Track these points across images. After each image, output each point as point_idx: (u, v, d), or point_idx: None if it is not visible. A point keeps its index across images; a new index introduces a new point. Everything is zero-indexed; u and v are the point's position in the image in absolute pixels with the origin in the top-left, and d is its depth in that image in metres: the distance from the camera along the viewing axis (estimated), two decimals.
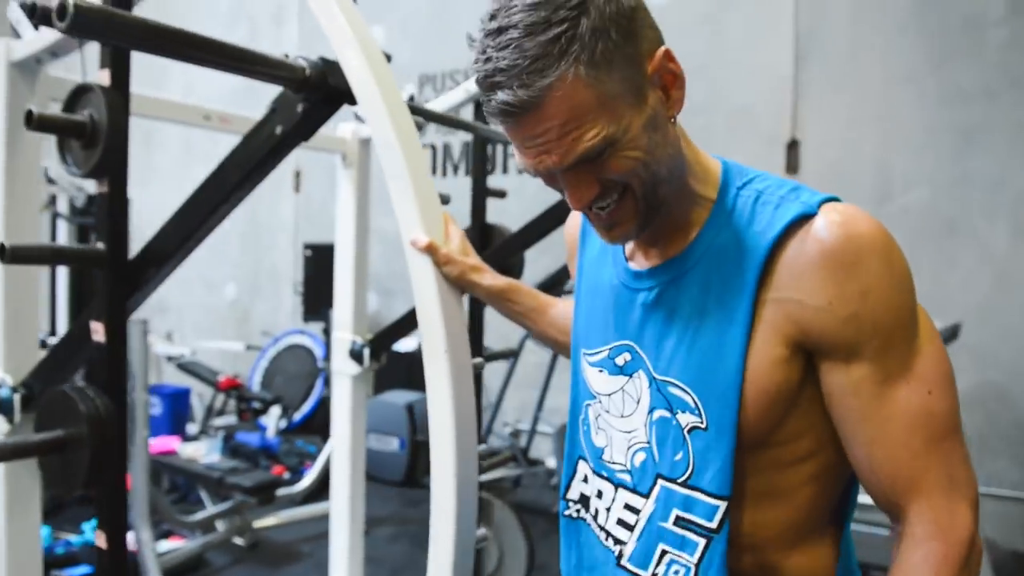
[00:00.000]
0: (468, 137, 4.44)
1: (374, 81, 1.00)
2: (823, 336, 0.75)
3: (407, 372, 4.22)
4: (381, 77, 1.01)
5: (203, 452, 3.27)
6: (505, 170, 4.39)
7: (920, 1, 3.40)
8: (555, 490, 3.63)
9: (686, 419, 0.81)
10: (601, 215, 0.80)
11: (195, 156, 5.61)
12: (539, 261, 2.63)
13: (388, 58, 1.07)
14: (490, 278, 1.07)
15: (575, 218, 1.07)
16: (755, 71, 3.81)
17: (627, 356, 0.88)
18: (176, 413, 4.35)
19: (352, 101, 1.05)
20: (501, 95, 0.72)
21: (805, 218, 0.77)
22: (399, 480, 3.77)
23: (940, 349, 0.76)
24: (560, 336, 1.11)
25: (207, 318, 5.67)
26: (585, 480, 0.94)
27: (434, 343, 0.95)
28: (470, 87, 2.20)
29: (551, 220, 2.18)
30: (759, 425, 0.78)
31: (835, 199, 0.79)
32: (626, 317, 0.89)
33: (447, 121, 1.61)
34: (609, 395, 0.90)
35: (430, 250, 0.99)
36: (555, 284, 3.36)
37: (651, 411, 0.84)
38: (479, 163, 2.22)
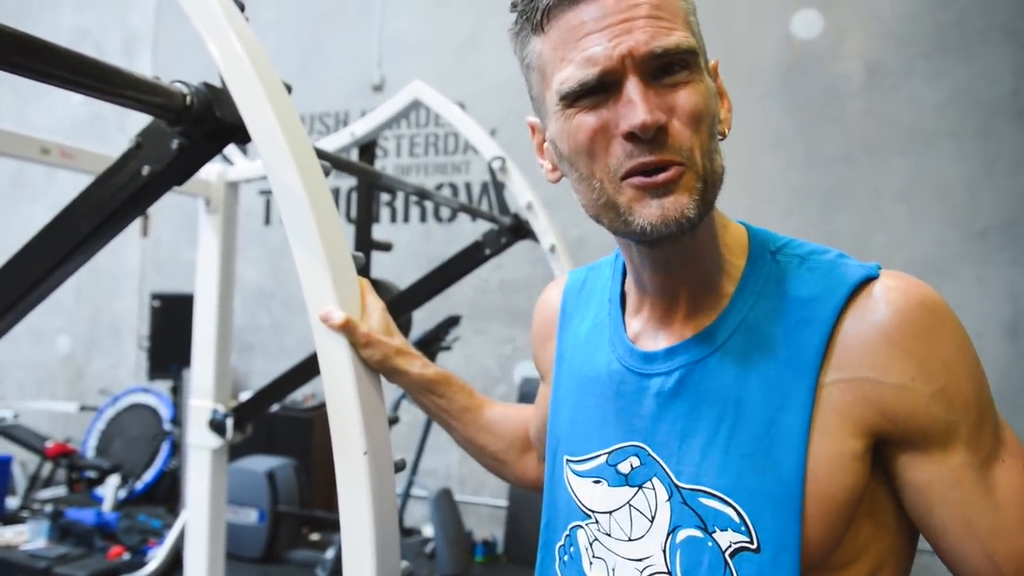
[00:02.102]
0: (349, 184, 4.22)
1: (275, 115, 0.81)
2: (912, 420, 0.62)
3: (267, 435, 3.87)
4: (283, 110, 0.83)
5: (25, 536, 2.81)
6: (378, 219, 4.19)
7: (785, 71, 3.54)
8: (432, 559, 3.39)
9: (727, 539, 0.64)
10: (654, 179, 0.64)
11: (27, 193, 5.04)
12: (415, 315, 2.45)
13: (288, 89, 0.89)
14: (420, 365, 0.88)
15: (550, 296, 0.90)
16: None
17: (635, 461, 0.71)
18: None
19: (244, 138, 0.85)
20: None
21: (865, 283, 0.65)
22: (258, 556, 3.40)
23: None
24: (491, 443, 0.93)
25: (34, 375, 5.04)
26: None
27: (350, 443, 0.76)
28: (356, 130, 2.03)
29: (444, 277, 2.03)
30: (823, 543, 0.62)
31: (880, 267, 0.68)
32: (633, 411, 0.72)
33: (340, 165, 1.43)
34: (610, 513, 0.72)
35: (347, 329, 0.79)
36: (432, 341, 3.20)
37: (673, 531, 0.67)
38: (364, 212, 2.03)
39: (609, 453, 0.73)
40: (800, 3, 3.52)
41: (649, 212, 0.65)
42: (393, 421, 3.36)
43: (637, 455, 0.71)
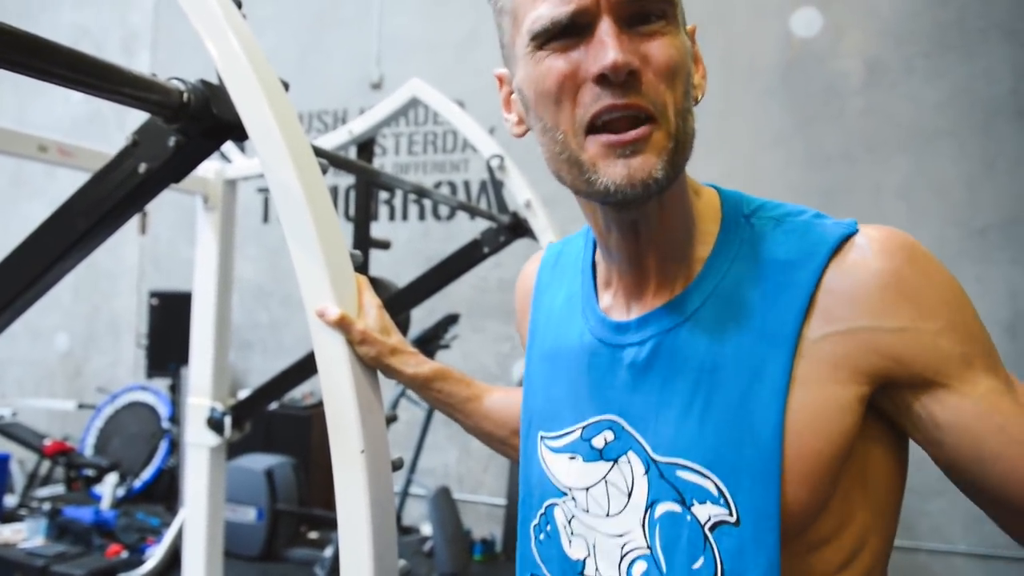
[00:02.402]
0: (348, 181, 4.21)
1: (272, 112, 0.81)
2: (920, 359, 0.60)
3: (265, 432, 3.87)
4: (280, 108, 0.83)
5: (23, 534, 2.81)
6: (376, 217, 4.19)
7: (785, 69, 3.54)
8: (430, 557, 3.40)
9: (706, 511, 0.62)
10: (622, 137, 0.61)
11: (25, 191, 5.04)
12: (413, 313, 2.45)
13: (286, 86, 0.89)
14: (414, 363, 0.88)
15: (529, 270, 0.89)
16: None
17: (609, 435, 0.69)
18: None
19: (241, 136, 0.85)
20: None
21: (847, 239, 0.63)
22: (256, 554, 3.41)
23: None
24: (496, 430, 0.93)
25: (33, 373, 5.04)
26: None
27: (347, 442, 0.76)
28: (354, 128, 2.02)
29: (442, 275, 2.03)
30: (806, 507, 0.61)
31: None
32: (606, 384, 0.70)
33: (338, 162, 1.42)
34: (586, 489, 0.70)
35: (342, 326, 0.79)
36: (431, 339, 3.20)
37: (651, 506, 0.65)
38: (363, 210, 2.02)
39: (583, 428, 0.72)
40: (799, 1, 3.52)
41: (614, 171, 0.62)
42: (391, 419, 3.33)
43: (611, 428, 0.69)
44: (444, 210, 4.06)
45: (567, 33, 0.62)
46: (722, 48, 3.65)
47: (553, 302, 0.82)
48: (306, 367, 1.95)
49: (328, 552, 3.13)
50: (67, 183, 4.74)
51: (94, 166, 1.56)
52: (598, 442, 0.70)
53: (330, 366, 0.78)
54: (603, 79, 0.61)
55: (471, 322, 3.80)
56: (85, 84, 0.71)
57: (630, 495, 0.67)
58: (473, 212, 2.19)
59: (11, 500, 3.93)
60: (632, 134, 0.61)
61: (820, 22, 3.48)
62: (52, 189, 4.81)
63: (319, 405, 4.04)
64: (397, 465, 0.83)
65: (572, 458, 0.72)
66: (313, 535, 3.67)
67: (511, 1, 0.67)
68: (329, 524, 3.62)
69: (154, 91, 0.78)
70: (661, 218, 0.68)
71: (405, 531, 3.73)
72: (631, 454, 0.67)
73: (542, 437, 0.76)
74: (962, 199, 3.23)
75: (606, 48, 0.60)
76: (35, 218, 0.95)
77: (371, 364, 0.82)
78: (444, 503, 3.29)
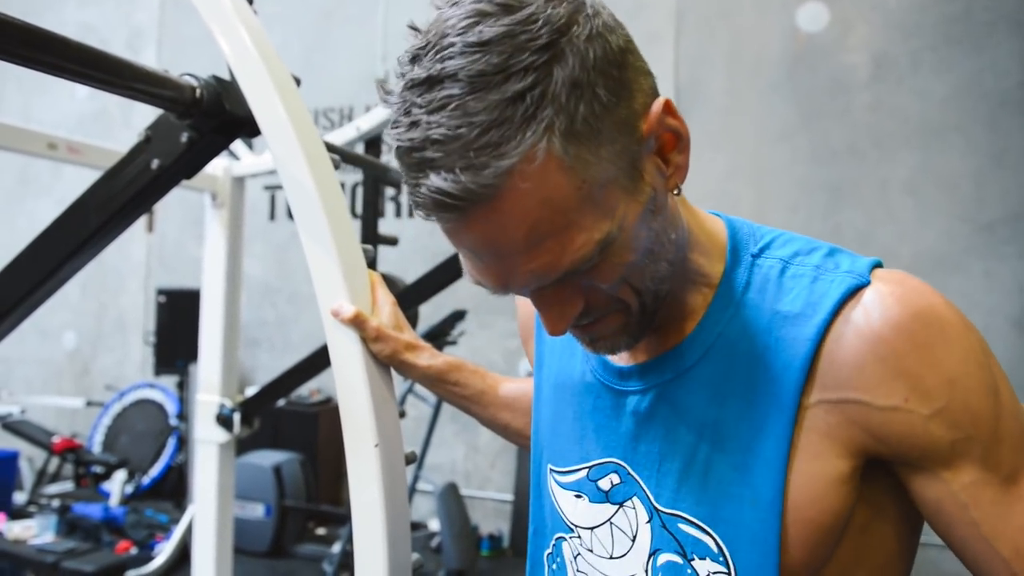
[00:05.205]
0: (353, 178, 4.21)
1: (284, 108, 0.81)
2: (907, 442, 0.56)
3: (273, 429, 3.88)
4: (292, 104, 0.83)
5: (33, 530, 2.82)
6: (383, 214, 4.19)
7: (791, 64, 3.53)
8: (438, 553, 3.41)
9: (707, 567, 0.61)
10: (581, 334, 0.62)
11: (32, 189, 5.05)
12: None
13: (297, 82, 0.89)
14: (427, 358, 0.86)
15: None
16: None
17: (615, 478, 0.67)
18: (0, 482, 3.79)
19: (253, 132, 0.85)
20: (436, 179, 0.50)
21: (855, 292, 0.58)
22: (265, 550, 3.42)
23: None
24: (513, 420, 0.92)
25: (41, 371, 5.06)
26: None
27: (361, 436, 0.76)
28: (361, 124, 2.03)
29: (450, 271, 2.02)
30: (807, 569, 0.59)
31: (879, 263, 0.61)
32: (611, 427, 0.68)
33: (349, 158, 1.42)
34: (591, 529, 0.69)
35: (357, 323, 0.78)
36: (438, 335, 3.20)
37: (654, 554, 0.64)
38: (371, 207, 2.02)
39: (589, 468, 0.70)
40: None
41: (580, 343, 0.65)
42: (399, 415, 3.34)
43: (617, 472, 0.68)
44: None
45: None
46: (728, 43, 3.65)
47: None
48: (314, 363, 1.95)
49: (336, 548, 3.14)
50: (74, 181, 4.75)
51: (103, 163, 1.57)
52: (604, 484, 0.69)
53: (344, 362, 0.78)
54: None
55: (478, 318, 3.80)
56: (99, 80, 0.71)
57: (634, 540, 0.66)
58: None
59: (21, 497, 3.96)
60: (587, 329, 0.62)
61: (826, 16, 3.47)
62: (59, 187, 4.83)
63: (327, 402, 4.05)
64: (411, 459, 0.83)
65: (578, 496, 0.71)
66: (321, 531, 3.68)
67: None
68: (337, 520, 3.63)
69: (167, 87, 0.78)
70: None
71: (413, 527, 3.73)
72: (635, 500, 0.66)
73: (551, 470, 0.76)
74: (969, 194, 3.22)
75: (542, 317, 0.60)
76: (42, 215, 0.95)
77: (385, 361, 0.82)
78: (451, 499, 3.30)
